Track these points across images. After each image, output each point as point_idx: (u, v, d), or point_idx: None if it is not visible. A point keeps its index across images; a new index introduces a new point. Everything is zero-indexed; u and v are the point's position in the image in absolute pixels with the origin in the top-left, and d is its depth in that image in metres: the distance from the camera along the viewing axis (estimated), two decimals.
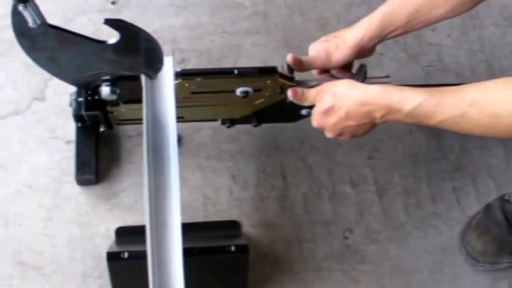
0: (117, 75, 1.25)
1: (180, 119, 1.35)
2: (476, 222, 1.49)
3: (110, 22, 1.14)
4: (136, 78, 1.25)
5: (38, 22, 1.13)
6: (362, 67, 1.36)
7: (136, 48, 1.19)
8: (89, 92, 1.32)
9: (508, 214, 1.46)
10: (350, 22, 1.70)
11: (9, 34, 1.59)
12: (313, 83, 1.36)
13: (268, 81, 1.31)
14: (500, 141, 1.63)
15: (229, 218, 1.49)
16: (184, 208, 1.35)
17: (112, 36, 1.19)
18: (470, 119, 1.05)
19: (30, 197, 1.47)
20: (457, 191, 1.57)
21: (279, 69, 1.33)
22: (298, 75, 1.37)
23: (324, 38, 1.35)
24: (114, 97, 1.27)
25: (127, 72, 1.24)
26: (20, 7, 1.09)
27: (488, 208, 1.49)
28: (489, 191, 1.58)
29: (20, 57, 1.56)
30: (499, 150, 1.62)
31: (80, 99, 1.36)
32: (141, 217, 1.40)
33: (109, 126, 1.38)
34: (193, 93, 1.30)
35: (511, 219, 1.46)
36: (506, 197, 1.47)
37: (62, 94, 1.53)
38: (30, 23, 1.12)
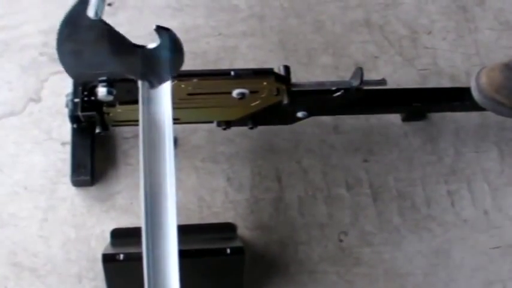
0: (120, 76, 1.25)
1: (176, 120, 1.34)
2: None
3: (160, 29, 1.16)
4: (133, 80, 1.25)
5: (99, 15, 1.12)
6: (358, 69, 1.36)
7: (164, 59, 1.20)
8: (85, 93, 1.32)
9: None
10: (345, 25, 1.73)
11: (5, 35, 1.60)
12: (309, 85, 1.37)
13: (265, 83, 1.32)
14: (495, 144, 1.63)
15: (225, 220, 1.49)
16: (180, 210, 1.34)
17: None
18: None
19: (26, 198, 1.47)
20: (451, 194, 1.57)
21: (276, 71, 1.33)
22: (294, 77, 1.38)
23: None
24: (111, 98, 1.27)
25: (134, 77, 1.24)
26: None
27: None
28: (484, 195, 1.58)
29: (15, 58, 1.57)
30: (493, 153, 1.62)
31: (76, 100, 1.35)
32: (136, 219, 1.40)
33: (105, 127, 1.38)
34: (189, 94, 1.31)
35: None
36: None
37: (57, 95, 1.53)
38: (92, 14, 1.11)
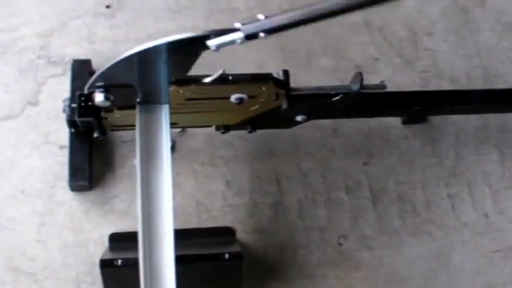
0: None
1: (174, 125, 1.34)
2: None
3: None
4: (130, 85, 1.24)
5: (216, 51, 1.11)
6: (358, 74, 1.35)
7: None
8: (83, 98, 1.31)
9: None
10: (345, 27, 1.72)
11: (3, 37, 1.59)
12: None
13: (263, 88, 1.31)
14: (495, 147, 1.62)
15: (223, 224, 1.48)
16: (178, 214, 1.35)
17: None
18: None
19: (23, 202, 1.46)
20: (452, 198, 1.57)
21: (274, 76, 1.32)
22: (294, 80, 1.37)
23: None
24: (108, 103, 1.26)
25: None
26: (242, 38, 1.08)
27: None
28: (484, 198, 1.57)
29: (13, 61, 1.56)
30: (494, 156, 1.62)
31: (74, 105, 1.34)
32: (135, 223, 1.38)
33: (102, 132, 1.37)
34: (187, 99, 1.30)
35: None
36: None
37: (55, 98, 1.51)
38: (215, 49, 1.10)
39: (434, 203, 1.56)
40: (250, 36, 1.07)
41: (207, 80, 1.23)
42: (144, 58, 1.16)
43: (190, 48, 1.14)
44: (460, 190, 1.58)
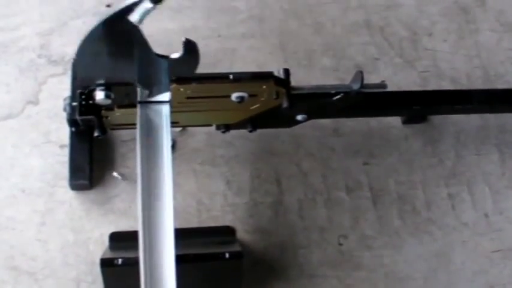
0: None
1: (174, 124, 1.34)
2: None
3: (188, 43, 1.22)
4: (131, 83, 1.24)
5: (139, 24, 1.12)
6: (358, 73, 1.35)
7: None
8: (83, 97, 1.31)
9: None
10: (346, 26, 1.72)
11: (3, 37, 1.59)
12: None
13: (264, 87, 1.31)
14: (496, 147, 1.62)
15: (224, 223, 1.48)
16: (178, 213, 1.35)
17: None
18: None
19: (24, 201, 1.46)
20: (452, 198, 1.57)
21: (275, 74, 1.32)
22: (294, 79, 1.37)
23: None
24: (109, 102, 1.26)
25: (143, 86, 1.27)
26: (149, 4, 1.08)
27: None
28: (485, 198, 1.57)
29: (13, 60, 1.56)
30: (494, 156, 1.61)
31: (74, 103, 1.34)
32: (135, 222, 1.38)
33: (103, 131, 1.37)
34: (188, 98, 1.30)
35: None
36: None
37: (56, 98, 1.51)
38: (136, 20, 1.11)
39: (435, 203, 1.56)
40: None
41: (174, 55, 1.23)
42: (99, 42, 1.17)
43: (123, 28, 1.14)
44: (460, 190, 1.58)
